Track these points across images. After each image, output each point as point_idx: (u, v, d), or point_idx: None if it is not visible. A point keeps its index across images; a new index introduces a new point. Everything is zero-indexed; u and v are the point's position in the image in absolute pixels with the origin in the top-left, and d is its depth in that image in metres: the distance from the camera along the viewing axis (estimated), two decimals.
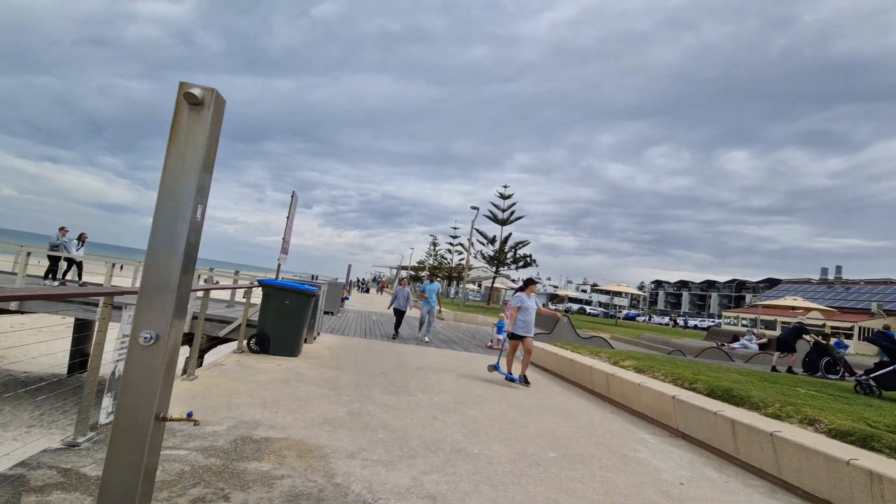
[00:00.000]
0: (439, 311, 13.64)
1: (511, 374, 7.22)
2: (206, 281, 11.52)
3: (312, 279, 8.65)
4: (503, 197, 33.26)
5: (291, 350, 6.87)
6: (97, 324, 3.08)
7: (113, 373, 3.17)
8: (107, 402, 3.21)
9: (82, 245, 13.49)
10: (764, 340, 17.21)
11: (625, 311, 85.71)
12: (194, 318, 9.71)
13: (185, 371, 4.87)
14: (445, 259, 55.95)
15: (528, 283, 7.80)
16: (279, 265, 9.39)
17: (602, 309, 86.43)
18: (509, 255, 32.40)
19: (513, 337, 7.18)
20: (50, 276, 12.75)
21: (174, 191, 1.67)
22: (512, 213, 32.90)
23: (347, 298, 21.15)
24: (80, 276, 13.84)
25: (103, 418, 3.21)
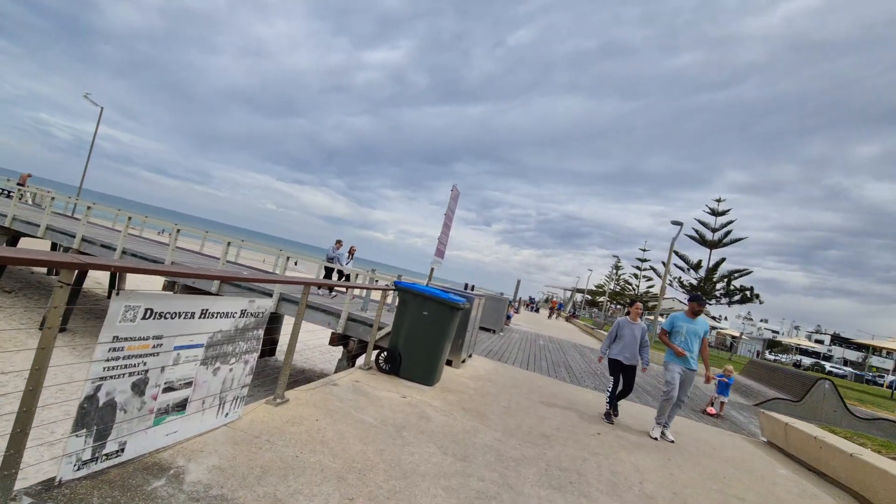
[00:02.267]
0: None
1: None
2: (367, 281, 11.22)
3: (465, 289, 7.09)
4: (715, 213, 26.85)
5: (426, 376, 5.25)
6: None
7: None
8: None
9: (351, 258, 14.02)
10: None
11: (890, 377, 62.41)
12: (350, 319, 9.26)
13: (274, 393, 3.61)
14: (630, 285, 49.51)
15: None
16: (432, 270, 8.06)
17: (850, 369, 64.73)
18: (719, 285, 25.75)
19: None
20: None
21: None
22: (727, 233, 26.18)
23: (510, 316, 19.32)
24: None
25: None
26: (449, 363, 6.74)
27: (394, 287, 5.41)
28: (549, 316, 38.38)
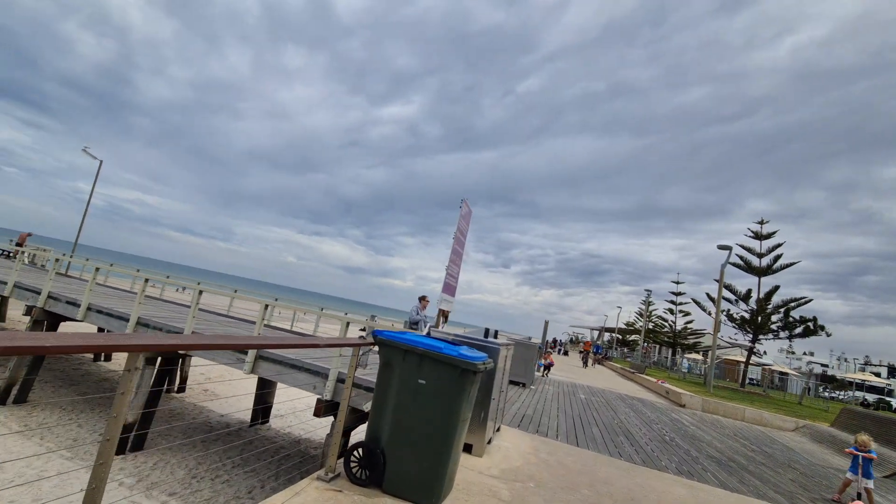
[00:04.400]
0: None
1: None
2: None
3: (487, 336, 5.11)
4: (759, 237, 24.21)
5: (426, 488, 3.12)
6: None
7: None
8: None
9: (445, 321, 11.67)
10: None
11: None
12: (342, 381, 7.19)
13: None
14: (665, 321, 45.99)
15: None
16: (439, 313, 6.05)
17: None
18: (775, 317, 22.67)
19: None
20: None
21: None
22: (776, 258, 23.38)
23: (549, 366, 16.69)
24: None
25: None
26: (468, 449, 4.55)
27: (370, 341, 3.40)
28: (585, 364, 30.53)
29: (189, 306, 12.47)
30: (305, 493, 2.96)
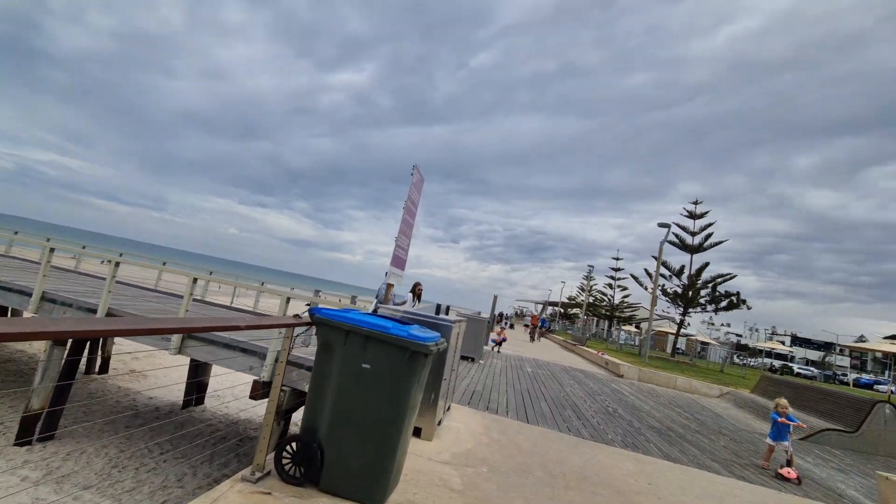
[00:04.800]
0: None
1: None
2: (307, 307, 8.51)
3: (438, 312, 4.79)
4: (693, 216, 25.65)
5: (371, 486, 2.77)
6: None
7: None
8: None
9: (418, 301, 10.05)
10: None
11: (853, 375, 63.86)
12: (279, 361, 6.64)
13: None
14: (605, 295, 48.35)
15: None
16: (388, 287, 5.63)
17: (815, 369, 65.47)
18: (704, 292, 24.36)
19: None
20: None
21: None
22: (707, 236, 24.95)
23: (501, 342, 16.49)
24: None
25: None
26: (417, 433, 4.26)
27: (307, 320, 2.94)
28: (532, 338, 29.25)
29: (119, 282, 11.17)
30: (226, 498, 2.51)
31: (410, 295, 8.27)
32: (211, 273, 14.41)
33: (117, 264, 7.30)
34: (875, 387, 53.72)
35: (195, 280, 7.23)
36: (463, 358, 11.38)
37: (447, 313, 5.27)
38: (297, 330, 3.09)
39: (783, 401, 5.72)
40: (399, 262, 5.70)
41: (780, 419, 5.68)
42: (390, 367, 2.81)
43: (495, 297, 19.97)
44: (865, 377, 65.35)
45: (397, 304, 7.66)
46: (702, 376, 17.28)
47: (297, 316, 3.03)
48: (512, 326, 45.48)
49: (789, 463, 5.42)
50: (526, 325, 44.16)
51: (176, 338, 6.53)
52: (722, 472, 5.31)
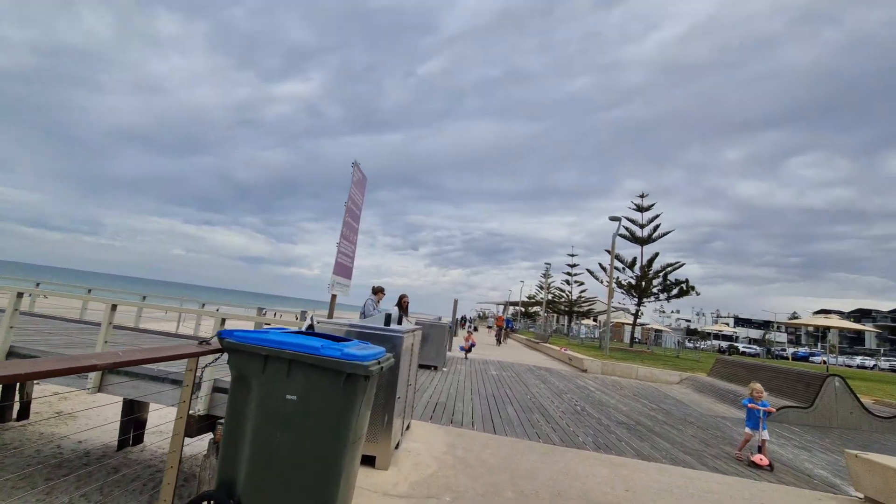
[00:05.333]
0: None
1: None
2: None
3: (389, 322, 4.32)
4: (640, 209, 26.51)
5: None
6: None
7: None
8: None
9: (405, 314, 8.26)
10: None
11: (791, 349, 68.76)
12: (218, 390, 5.86)
13: None
14: (563, 291, 49.30)
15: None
16: (333, 300, 5.06)
17: (758, 347, 69.91)
18: (656, 281, 25.20)
19: None
20: None
21: None
22: (655, 227, 25.85)
23: (468, 350, 15.54)
24: None
25: None
26: (370, 462, 3.73)
27: (216, 347, 2.35)
28: (499, 341, 26.37)
29: (34, 314, 9.81)
30: None
31: (396, 308, 7.55)
32: (144, 298, 13.11)
33: (20, 294, 6.26)
34: (810, 358, 57.95)
35: (114, 307, 6.32)
36: (424, 367, 10.87)
37: (400, 322, 4.77)
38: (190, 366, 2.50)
39: (758, 385, 5.61)
40: (344, 270, 5.14)
41: (751, 405, 5.56)
42: (323, 395, 2.29)
43: (455, 301, 19.62)
44: (802, 350, 70.40)
45: (367, 318, 6.94)
46: (661, 364, 17.65)
47: (203, 343, 2.45)
48: (476, 329, 45.30)
49: (760, 449, 5.31)
50: (489, 327, 43.63)
51: (94, 376, 5.63)
52: (696, 465, 5.12)
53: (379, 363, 2.45)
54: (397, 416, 4.07)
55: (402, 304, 8.24)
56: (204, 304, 12.78)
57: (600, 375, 14.52)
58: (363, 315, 7.06)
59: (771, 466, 5.13)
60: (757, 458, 5.23)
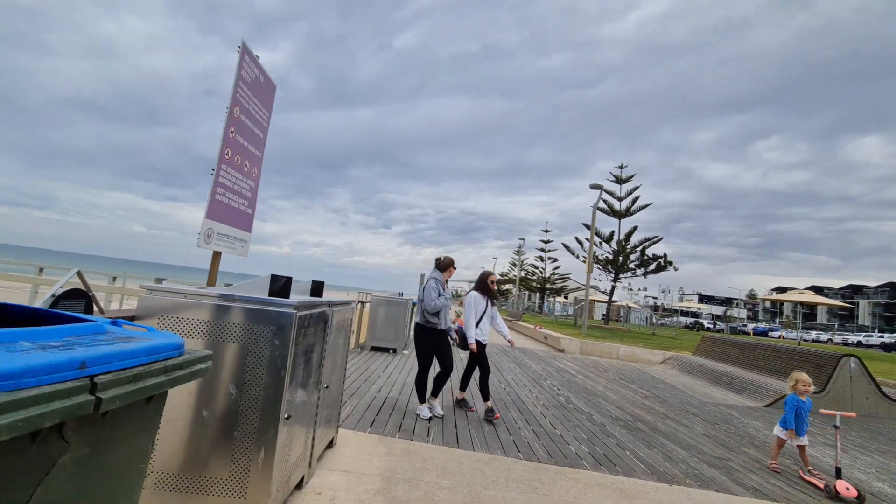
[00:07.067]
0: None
1: None
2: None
3: (316, 293, 2.69)
4: (619, 181, 25.34)
5: None
6: None
7: None
8: None
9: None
10: None
11: (751, 325, 71.13)
12: None
13: None
14: (536, 268, 48.48)
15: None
16: (216, 258, 3.33)
17: (722, 324, 71.84)
18: (633, 256, 24.27)
19: None
20: None
21: None
22: (634, 200, 24.78)
23: (455, 332, 13.60)
24: None
25: None
26: (298, 486, 2.10)
27: None
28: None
29: None
30: None
31: (475, 294, 5.29)
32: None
33: None
34: (769, 333, 59.81)
35: None
36: (380, 350, 9.30)
37: (319, 294, 3.11)
38: None
39: (804, 376, 4.21)
40: (232, 214, 3.36)
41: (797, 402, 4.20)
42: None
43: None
44: (761, 326, 72.94)
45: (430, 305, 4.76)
46: (640, 342, 16.70)
47: None
48: None
49: (809, 471, 3.96)
50: (461, 305, 42.83)
51: None
52: (731, 485, 3.75)
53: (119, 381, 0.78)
54: (287, 444, 2.45)
55: (489, 287, 5.41)
56: (115, 278, 10.66)
57: (579, 356, 13.33)
58: (430, 305, 4.76)
59: (861, 498, 3.65)
60: (840, 485, 3.72)
